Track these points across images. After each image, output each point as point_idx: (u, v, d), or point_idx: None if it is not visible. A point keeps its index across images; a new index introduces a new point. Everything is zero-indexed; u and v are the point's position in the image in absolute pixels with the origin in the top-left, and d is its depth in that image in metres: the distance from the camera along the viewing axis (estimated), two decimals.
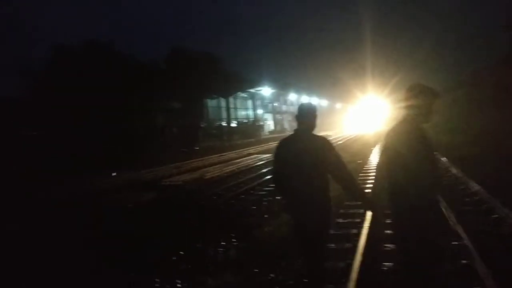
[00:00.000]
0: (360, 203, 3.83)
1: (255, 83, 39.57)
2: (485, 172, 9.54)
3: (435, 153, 3.16)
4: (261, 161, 19.66)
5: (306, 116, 3.51)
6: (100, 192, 12.27)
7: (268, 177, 12.92)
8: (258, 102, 45.05)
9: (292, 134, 3.60)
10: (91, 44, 30.25)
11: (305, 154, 3.35)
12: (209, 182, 13.11)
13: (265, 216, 8.15)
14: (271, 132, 45.19)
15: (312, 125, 3.50)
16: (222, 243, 6.48)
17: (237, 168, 16.91)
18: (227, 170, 16.37)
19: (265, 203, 9.41)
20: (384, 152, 3.31)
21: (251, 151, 25.92)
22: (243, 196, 10.06)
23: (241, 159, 21.21)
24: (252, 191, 10.75)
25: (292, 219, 3.63)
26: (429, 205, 3.06)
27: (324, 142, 3.45)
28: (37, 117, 26.28)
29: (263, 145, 30.93)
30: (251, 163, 18.64)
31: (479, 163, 11.20)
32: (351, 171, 3.56)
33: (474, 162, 11.30)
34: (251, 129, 39.02)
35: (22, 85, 29.70)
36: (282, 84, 45.69)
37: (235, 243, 6.44)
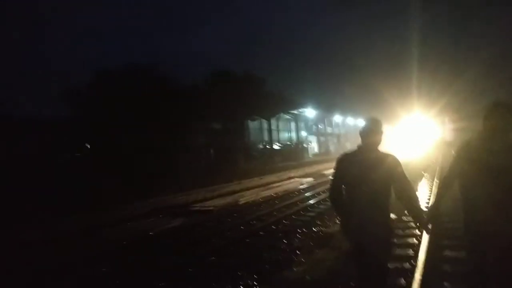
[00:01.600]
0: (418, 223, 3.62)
1: (298, 104, 38.49)
2: None
3: None
4: (301, 185, 18.46)
5: (371, 131, 3.31)
6: (127, 218, 11.53)
7: (306, 204, 11.78)
8: (301, 124, 43.86)
9: (355, 150, 3.40)
10: (133, 68, 30.65)
11: (369, 170, 3.20)
12: (242, 208, 12.09)
13: (297, 252, 6.99)
14: (315, 155, 43.68)
15: (377, 141, 3.31)
16: (241, 287, 5.40)
17: (274, 193, 15.81)
18: (264, 195, 15.32)
19: (299, 235, 8.24)
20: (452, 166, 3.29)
21: (292, 174, 24.70)
22: (273, 227, 8.92)
23: (281, 183, 20.06)
24: (285, 221, 9.60)
25: (348, 239, 3.52)
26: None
27: (391, 159, 3.30)
28: (79, 140, 26.73)
29: (305, 168, 29.58)
30: (291, 187, 17.46)
31: None
32: (415, 191, 3.45)
33: None
34: (294, 151, 37.80)
35: (66, 109, 30.57)
36: (327, 105, 44.46)
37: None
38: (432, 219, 3.49)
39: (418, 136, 40.03)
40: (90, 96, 29.61)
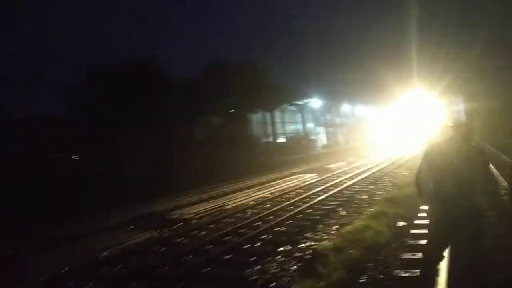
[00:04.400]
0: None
1: (303, 94, 36.34)
2: None
3: None
4: (303, 182, 16.60)
5: (459, 124, 3.55)
6: (92, 232, 9.87)
7: (300, 208, 9.96)
8: (308, 115, 41.72)
9: (443, 141, 3.63)
10: (129, 63, 29.06)
11: (455, 161, 3.41)
12: (224, 216, 10.28)
13: None
14: (323, 147, 41.53)
15: (465, 133, 3.51)
16: None
17: (269, 194, 14.02)
18: (256, 197, 13.54)
19: (280, 256, 6.40)
20: None
21: (296, 170, 22.89)
22: (248, 246, 7.07)
23: (280, 180, 18.26)
24: (267, 235, 7.76)
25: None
26: None
27: (475, 152, 3.46)
28: (71, 139, 25.28)
29: (311, 162, 27.73)
30: (289, 186, 15.63)
31: None
32: (498, 185, 3.73)
33: None
34: (300, 144, 35.77)
35: (62, 106, 29.44)
36: (334, 95, 42.21)
37: None
38: None
39: (421, 120, 37.21)
40: (85, 94, 28.35)
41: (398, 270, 4.57)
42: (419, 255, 4.95)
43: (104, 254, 7.66)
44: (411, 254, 5.04)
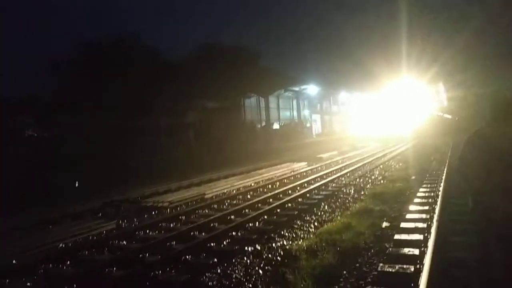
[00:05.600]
0: None
1: (299, 80, 35.46)
2: None
3: None
4: (290, 172, 15.93)
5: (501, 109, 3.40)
6: (54, 219, 9.16)
7: (282, 200, 9.22)
8: (304, 102, 40.82)
9: (484, 125, 3.52)
10: (120, 40, 28.13)
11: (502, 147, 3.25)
12: (200, 206, 9.57)
13: None
14: (318, 135, 40.79)
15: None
16: None
17: (254, 183, 13.36)
18: (239, 185, 12.87)
19: (246, 258, 5.70)
20: None
21: (287, 157, 22.16)
22: (212, 244, 6.36)
23: (269, 168, 17.58)
24: (238, 232, 7.05)
25: None
26: None
27: None
28: (56, 117, 24.51)
29: (303, 150, 27.01)
30: (276, 175, 14.95)
31: None
32: None
33: None
34: (294, 131, 35.03)
35: (50, 84, 28.72)
36: (331, 82, 41.33)
37: None
38: None
39: (412, 110, 36.30)
40: (72, 72, 27.54)
41: (370, 286, 3.87)
42: (397, 267, 4.25)
43: (62, 245, 7.00)
44: (388, 266, 4.33)
